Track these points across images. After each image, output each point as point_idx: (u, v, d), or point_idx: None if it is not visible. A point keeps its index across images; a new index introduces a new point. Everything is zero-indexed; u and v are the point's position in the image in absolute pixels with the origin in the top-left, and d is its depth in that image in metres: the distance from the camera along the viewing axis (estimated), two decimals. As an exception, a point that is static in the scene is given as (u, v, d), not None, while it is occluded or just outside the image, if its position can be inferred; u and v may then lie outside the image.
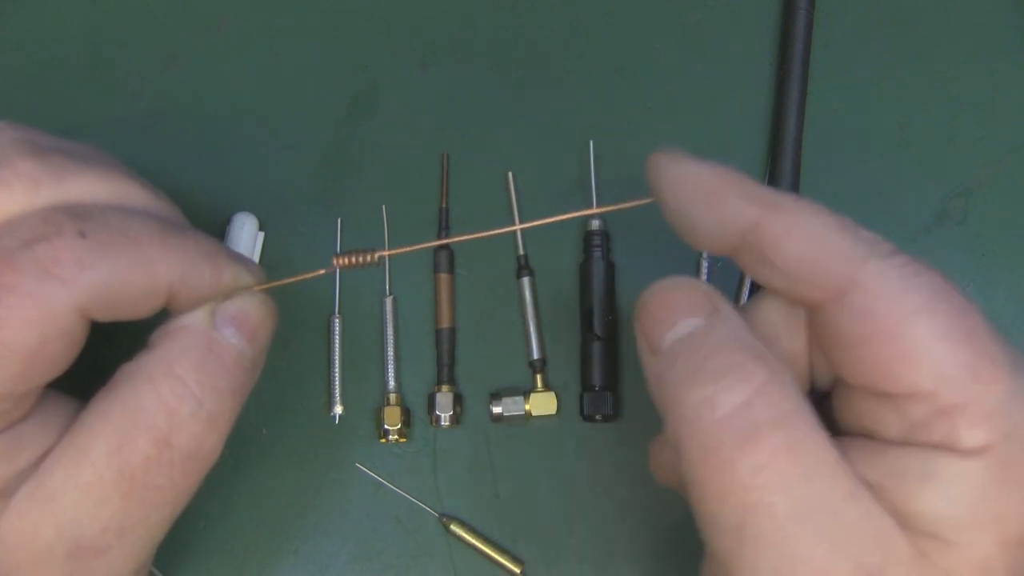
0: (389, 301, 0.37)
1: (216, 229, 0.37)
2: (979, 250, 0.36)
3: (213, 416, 0.26)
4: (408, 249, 0.29)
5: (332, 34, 0.39)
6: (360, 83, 0.39)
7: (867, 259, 0.23)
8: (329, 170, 0.38)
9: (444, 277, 0.37)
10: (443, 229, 0.37)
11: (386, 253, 0.29)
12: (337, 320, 0.37)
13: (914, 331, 0.22)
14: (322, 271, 0.30)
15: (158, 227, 0.26)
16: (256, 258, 0.37)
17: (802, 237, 0.24)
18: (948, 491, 0.22)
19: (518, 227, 0.30)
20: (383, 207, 0.38)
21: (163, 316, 0.27)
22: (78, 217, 0.25)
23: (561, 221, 0.29)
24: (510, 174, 0.38)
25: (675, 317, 0.25)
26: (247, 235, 0.37)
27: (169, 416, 0.25)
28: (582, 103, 0.38)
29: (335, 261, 0.29)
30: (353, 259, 0.28)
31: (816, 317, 0.25)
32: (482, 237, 0.29)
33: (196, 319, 0.27)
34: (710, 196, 0.25)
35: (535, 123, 0.38)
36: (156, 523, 0.26)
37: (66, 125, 0.32)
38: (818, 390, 0.27)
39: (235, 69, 0.39)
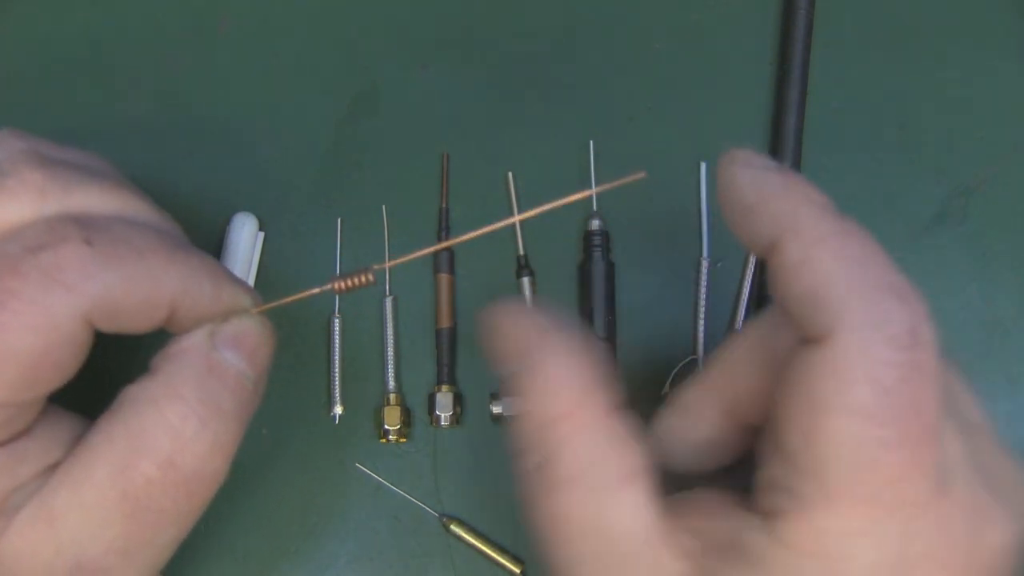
0: (389, 301, 0.37)
1: (216, 229, 0.37)
2: (979, 250, 0.36)
3: (217, 437, 0.26)
4: (403, 259, 0.29)
5: (332, 34, 0.39)
6: (360, 83, 0.39)
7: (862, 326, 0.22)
8: (329, 170, 0.38)
9: (444, 277, 0.37)
10: (443, 229, 0.37)
11: (379, 267, 0.29)
12: (337, 320, 0.37)
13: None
14: (316, 289, 0.29)
15: (162, 241, 0.26)
16: (256, 259, 0.37)
17: (808, 276, 0.22)
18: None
19: (516, 218, 0.29)
20: (383, 207, 0.38)
21: (165, 338, 0.27)
22: (84, 226, 0.25)
23: (564, 204, 0.28)
24: (510, 174, 0.38)
25: (509, 358, 0.25)
26: (247, 235, 0.37)
27: (173, 437, 0.25)
28: (582, 103, 0.38)
29: (335, 286, 0.28)
30: (350, 282, 0.28)
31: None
32: (479, 235, 0.28)
33: (195, 340, 0.27)
34: (745, 210, 0.24)
35: (535, 123, 0.38)
36: (161, 545, 0.26)
37: (66, 126, 0.32)
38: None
39: (235, 69, 0.39)
